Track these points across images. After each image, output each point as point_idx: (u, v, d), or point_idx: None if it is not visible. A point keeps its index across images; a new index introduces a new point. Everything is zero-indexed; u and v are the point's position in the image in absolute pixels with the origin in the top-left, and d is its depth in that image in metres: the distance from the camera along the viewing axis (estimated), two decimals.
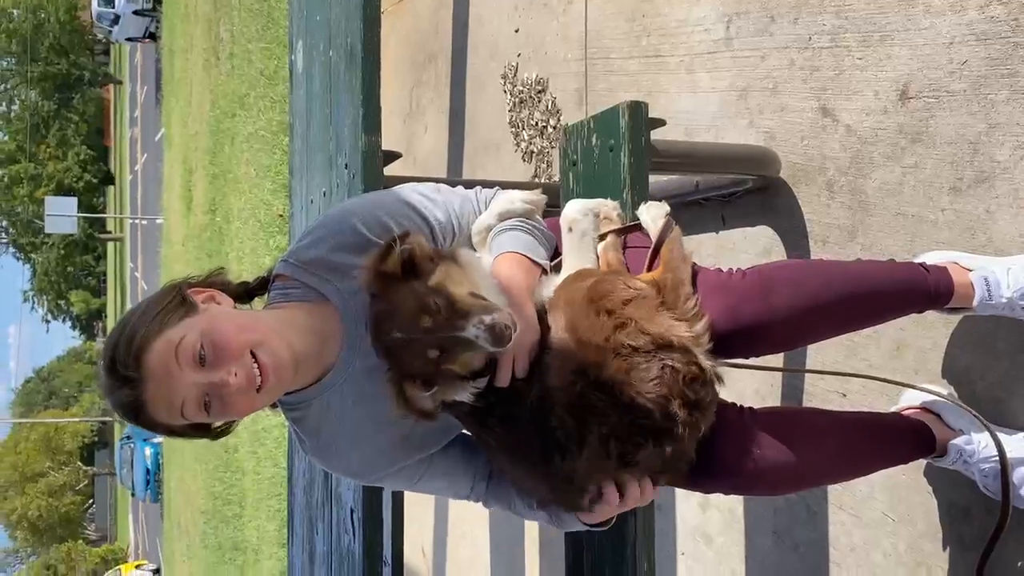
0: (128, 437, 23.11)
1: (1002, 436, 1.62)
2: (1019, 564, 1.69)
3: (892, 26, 1.92)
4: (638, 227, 1.54)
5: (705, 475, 1.46)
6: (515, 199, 1.48)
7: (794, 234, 2.20)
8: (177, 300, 1.35)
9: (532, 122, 3.40)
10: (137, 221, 27.99)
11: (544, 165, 3.34)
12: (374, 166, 2.17)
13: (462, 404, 1.33)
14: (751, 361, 1.56)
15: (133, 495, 23.57)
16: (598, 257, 1.49)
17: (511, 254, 1.41)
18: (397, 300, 1.26)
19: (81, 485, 40.42)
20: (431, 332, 1.22)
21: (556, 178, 2.14)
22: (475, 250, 1.49)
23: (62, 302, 45.94)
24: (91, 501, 42.35)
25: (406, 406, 1.28)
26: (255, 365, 1.30)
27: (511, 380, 1.33)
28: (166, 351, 1.28)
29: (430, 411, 1.29)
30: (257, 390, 1.31)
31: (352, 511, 2.20)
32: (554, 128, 3.25)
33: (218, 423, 1.42)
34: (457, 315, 1.22)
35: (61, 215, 21.75)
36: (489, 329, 1.20)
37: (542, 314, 1.37)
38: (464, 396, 1.31)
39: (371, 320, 1.29)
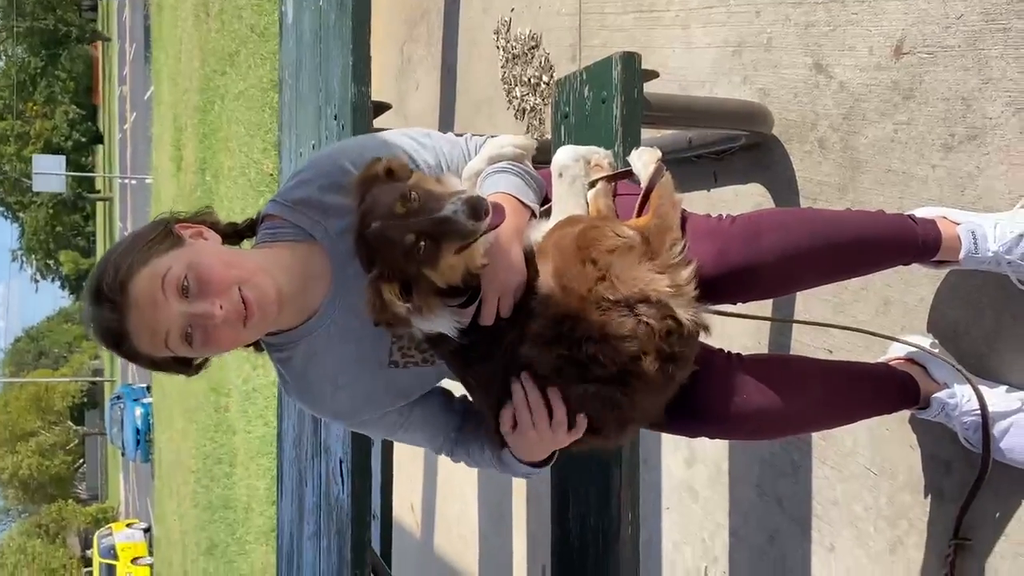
0: (118, 397, 23.15)
1: (984, 390, 1.64)
2: (997, 515, 1.72)
3: None
4: (629, 173, 1.53)
5: (690, 418, 1.47)
6: (505, 144, 1.48)
7: (785, 191, 2.20)
8: (164, 233, 1.35)
9: (525, 79, 3.37)
10: (126, 180, 27.78)
11: (537, 122, 3.32)
12: (364, 117, 2.15)
13: (448, 342, 1.33)
14: (738, 309, 1.57)
15: (123, 455, 23.67)
16: (588, 204, 1.48)
17: (501, 195, 1.41)
18: (378, 195, 1.25)
19: (71, 445, 40.52)
20: (408, 216, 1.21)
21: (548, 135, 2.13)
22: None
23: (51, 262, 45.70)
24: (81, 461, 42.50)
25: (381, 311, 1.26)
26: (240, 299, 1.30)
27: (496, 320, 1.34)
28: (151, 280, 1.28)
29: (403, 319, 1.26)
30: (242, 325, 1.31)
31: (341, 462, 2.22)
32: (547, 85, 3.23)
33: (199, 358, 1.43)
34: (434, 200, 1.22)
35: (49, 174, 21.57)
36: (467, 202, 1.19)
37: (530, 257, 1.37)
38: (447, 329, 1.30)
39: (356, 219, 1.28)
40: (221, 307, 1.29)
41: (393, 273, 1.25)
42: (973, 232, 1.57)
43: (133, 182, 25.34)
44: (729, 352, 1.54)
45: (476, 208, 1.19)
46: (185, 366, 1.42)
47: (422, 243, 1.21)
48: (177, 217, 1.42)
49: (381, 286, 1.25)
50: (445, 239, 1.22)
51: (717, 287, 1.41)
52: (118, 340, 1.32)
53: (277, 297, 1.34)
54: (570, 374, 1.35)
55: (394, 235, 1.22)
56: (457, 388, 1.58)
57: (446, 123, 4.07)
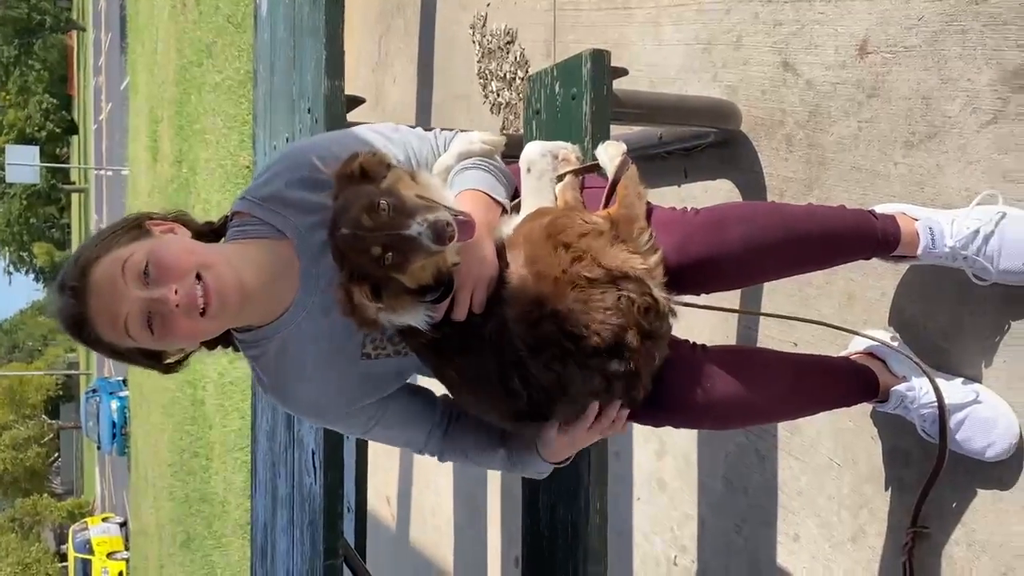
0: (94, 390, 22.95)
1: (941, 382, 1.68)
2: (954, 505, 1.77)
3: None
4: (596, 167, 1.56)
5: (656, 407, 1.50)
6: (474, 139, 1.50)
7: (753, 188, 2.24)
8: (132, 226, 1.37)
9: (500, 73, 3.39)
10: (102, 172, 27.46)
11: (512, 117, 3.33)
12: (337, 111, 2.16)
13: (419, 335, 1.35)
14: (704, 300, 1.60)
15: (99, 448, 23.47)
16: (556, 197, 1.51)
17: (471, 191, 1.42)
18: (350, 198, 1.26)
19: (46, 439, 40.09)
20: (376, 229, 1.23)
21: (522, 131, 2.16)
22: None
23: (25, 254, 45.13)
24: (57, 455, 42.08)
25: (352, 312, 1.27)
26: (199, 286, 1.31)
27: (467, 314, 1.36)
28: (112, 265, 1.30)
29: (374, 320, 1.28)
30: (201, 314, 1.31)
31: (313, 453, 2.23)
32: (522, 80, 3.24)
33: (171, 357, 1.43)
34: (402, 214, 1.23)
35: (22, 164, 21.30)
36: (431, 226, 1.21)
37: (501, 250, 1.39)
38: (418, 322, 1.32)
39: (330, 221, 1.30)
40: (176, 292, 1.29)
41: (362, 275, 1.26)
42: (931, 228, 1.61)
43: (109, 173, 25.06)
44: (694, 343, 1.58)
45: (440, 234, 1.21)
46: (153, 359, 1.42)
47: (389, 254, 1.23)
48: (150, 215, 1.43)
49: (351, 288, 1.26)
50: (411, 254, 1.24)
51: (681, 277, 1.44)
52: (79, 326, 1.33)
53: (238, 288, 1.34)
54: (563, 352, 1.37)
55: (361, 245, 1.24)
56: (435, 385, 1.60)
57: (423, 117, 4.08)
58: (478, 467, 1.65)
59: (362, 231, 1.23)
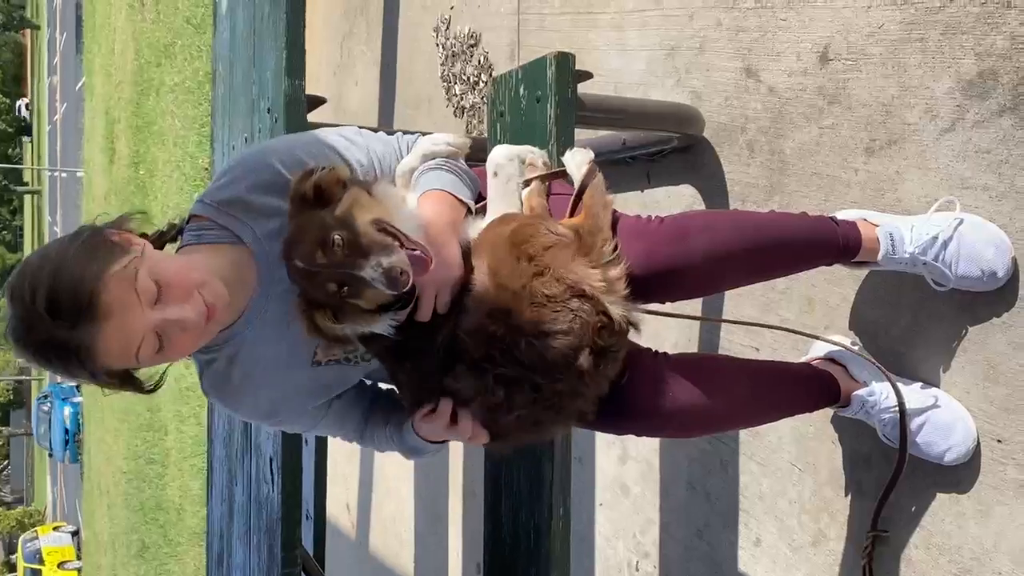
0: (46, 396, 22.43)
1: (901, 387, 1.70)
2: (913, 509, 1.78)
3: None
4: (563, 173, 1.55)
5: (618, 416, 1.49)
6: (439, 141, 1.48)
7: (715, 193, 2.25)
8: (106, 240, 1.28)
9: (464, 76, 3.37)
10: (56, 173, 26.93)
11: (476, 120, 3.32)
12: (298, 111, 2.13)
13: (381, 339, 1.33)
14: (667, 308, 1.60)
15: (51, 456, 22.95)
16: (522, 202, 1.50)
17: (436, 191, 1.41)
18: (303, 227, 1.25)
19: None
20: (329, 267, 1.22)
21: (486, 134, 2.15)
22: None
23: None
24: (6, 462, 41.09)
25: (317, 334, 1.27)
26: (203, 303, 1.29)
27: (432, 315, 1.34)
28: (122, 288, 1.22)
29: (343, 337, 1.28)
30: (203, 328, 1.31)
31: (271, 460, 2.19)
32: (486, 83, 3.23)
33: (150, 383, 1.40)
34: (357, 253, 1.21)
35: None
36: (385, 272, 1.20)
37: (466, 253, 1.38)
38: (382, 329, 1.30)
39: (282, 244, 1.28)
40: (191, 311, 1.27)
41: (321, 305, 1.26)
42: (891, 234, 1.62)
43: (63, 175, 24.58)
44: (656, 351, 1.57)
45: (394, 281, 1.20)
46: (132, 383, 1.37)
47: (344, 288, 1.23)
48: (106, 224, 1.35)
49: (313, 314, 1.26)
50: (364, 291, 1.23)
51: (646, 286, 1.43)
52: (74, 353, 1.23)
53: (226, 301, 1.33)
54: (503, 369, 1.36)
55: (315, 280, 1.23)
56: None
57: (385, 119, 4.05)
58: (379, 450, 1.64)
59: (315, 267, 1.22)
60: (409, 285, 1.21)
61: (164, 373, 1.44)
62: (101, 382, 1.31)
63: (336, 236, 1.21)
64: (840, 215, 1.70)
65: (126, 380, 1.36)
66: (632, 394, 1.48)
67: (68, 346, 1.22)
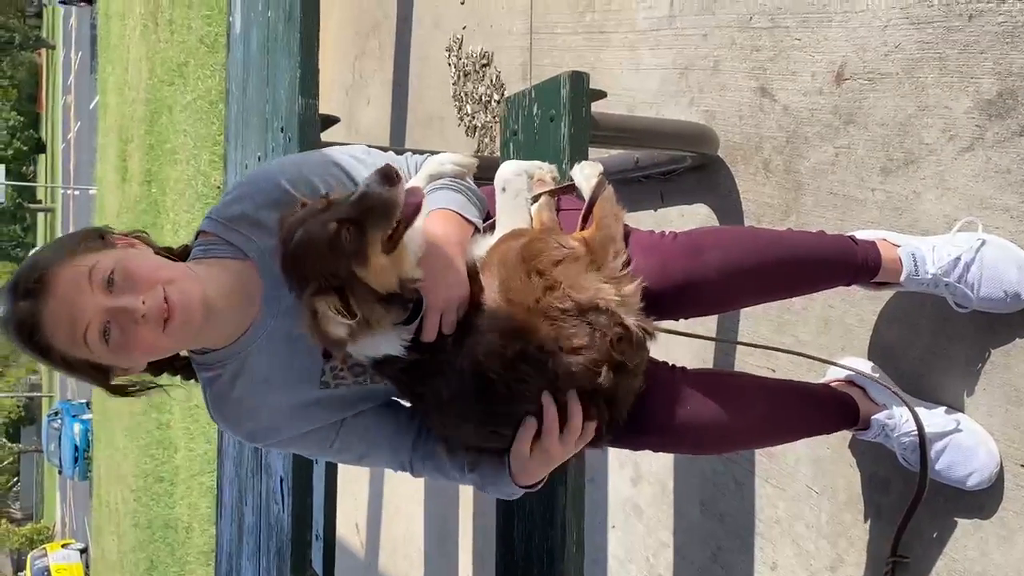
0: (56, 413, 22.50)
1: (921, 411, 1.67)
2: (934, 535, 1.75)
3: (830, 8, 1.95)
4: (572, 188, 1.53)
5: (634, 431, 1.47)
6: (446, 161, 1.47)
7: (730, 212, 2.23)
8: (92, 237, 1.32)
9: (476, 96, 3.37)
10: (69, 191, 27.13)
11: (487, 140, 3.32)
12: (311, 130, 2.12)
13: (396, 362, 1.31)
14: (682, 328, 1.57)
15: (61, 473, 22.96)
16: (532, 218, 1.48)
17: (443, 211, 1.39)
18: (297, 212, 1.25)
19: (6, 463, 39.22)
20: (328, 209, 1.21)
21: (499, 153, 2.14)
22: None
23: None
24: (16, 479, 41.15)
25: (318, 330, 1.22)
26: (164, 299, 1.27)
27: (438, 336, 1.32)
28: (76, 271, 1.25)
29: (341, 339, 1.23)
30: (162, 328, 1.27)
31: (282, 480, 2.17)
32: (498, 102, 3.23)
33: (117, 376, 1.37)
34: (351, 195, 1.22)
35: None
36: (377, 172, 1.19)
37: (473, 272, 1.36)
38: (394, 347, 1.28)
39: (281, 241, 1.25)
40: (144, 302, 1.25)
41: (326, 281, 1.21)
42: (913, 254, 1.60)
43: (76, 193, 24.75)
44: (674, 365, 1.55)
45: (387, 174, 1.19)
46: (101, 375, 1.35)
47: (346, 230, 1.19)
48: (111, 230, 1.39)
49: (316, 302, 1.21)
50: (368, 221, 1.19)
51: (659, 302, 1.41)
52: (30, 331, 1.26)
53: (202, 304, 1.31)
54: (534, 387, 1.33)
55: (316, 231, 1.20)
56: None
57: (397, 138, 4.05)
58: (449, 482, 1.59)
59: (315, 216, 1.20)
60: (404, 184, 1.20)
61: (148, 384, 1.43)
62: (62, 368, 1.33)
63: (331, 193, 1.22)
64: (859, 235, 1.68)
65: (91, 372, 1.34)
66: (648, 407, 1.45)
67: (21, 320, 1.26)
